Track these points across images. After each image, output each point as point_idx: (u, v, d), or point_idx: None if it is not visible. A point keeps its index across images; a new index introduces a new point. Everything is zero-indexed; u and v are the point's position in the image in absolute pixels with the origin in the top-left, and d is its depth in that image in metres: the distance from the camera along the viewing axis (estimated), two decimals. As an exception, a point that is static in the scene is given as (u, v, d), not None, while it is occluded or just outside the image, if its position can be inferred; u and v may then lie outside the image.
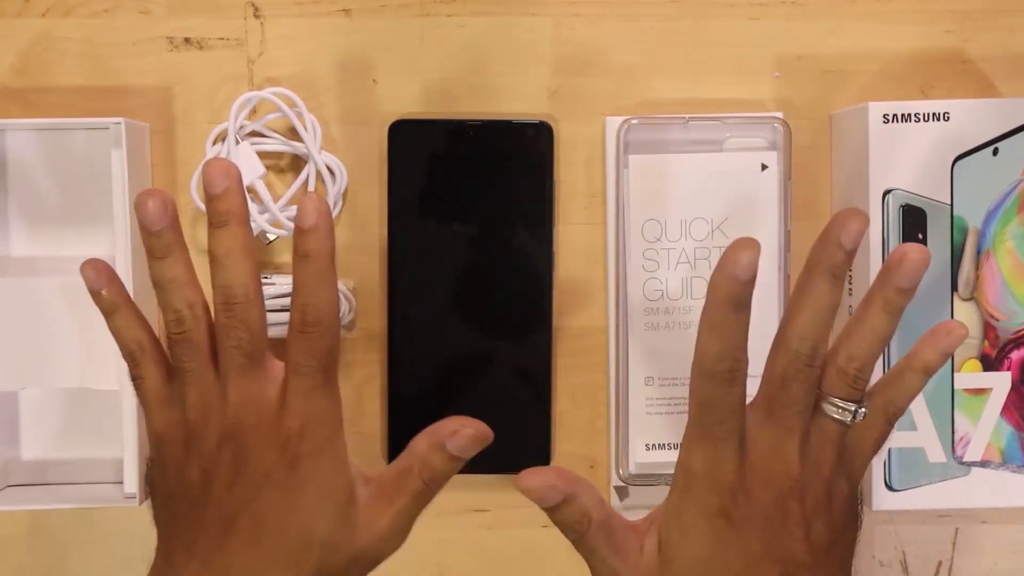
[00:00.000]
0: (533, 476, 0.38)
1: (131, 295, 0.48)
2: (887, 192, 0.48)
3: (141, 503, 0.49)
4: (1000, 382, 0.49)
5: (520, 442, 0.51)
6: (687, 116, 0.50)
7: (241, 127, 0.50)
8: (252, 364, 0.37)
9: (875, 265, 0.48)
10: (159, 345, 0.40)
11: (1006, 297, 0.48)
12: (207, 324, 0.38)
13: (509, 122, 0.51)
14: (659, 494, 0.51)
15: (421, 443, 0.39)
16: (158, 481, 0.39)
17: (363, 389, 0.52)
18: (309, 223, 0.37)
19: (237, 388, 0.37)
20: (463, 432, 0.38)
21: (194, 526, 0.37)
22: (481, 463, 0.51)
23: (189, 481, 0.37)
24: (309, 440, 0.37)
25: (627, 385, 0.50)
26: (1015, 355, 0.48)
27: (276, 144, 0.50)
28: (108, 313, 0.39)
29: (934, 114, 0.48)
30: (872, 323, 0.37)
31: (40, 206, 0.51)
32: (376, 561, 0.39)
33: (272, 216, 0.49)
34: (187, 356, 0.38)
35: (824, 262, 0.37)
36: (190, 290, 0.38)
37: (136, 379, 0.39)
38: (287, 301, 0.49)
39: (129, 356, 0.39)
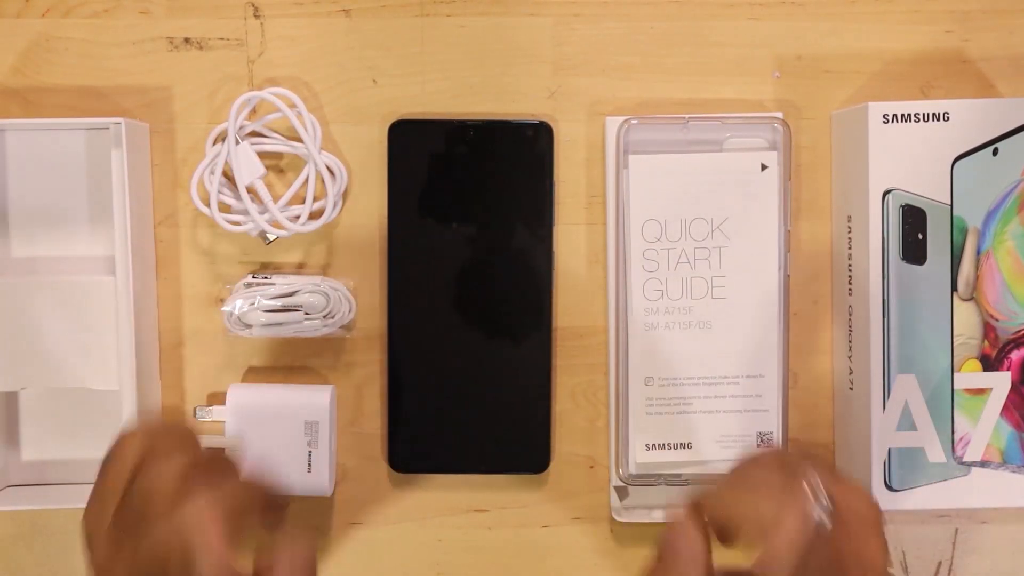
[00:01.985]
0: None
1: (131, 297, 0.48)
2: (887, 192, 0.48)
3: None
4: (1000, 382, 0.49)
5: (520, 442, 0.51)
6: (687, 116, 0.50)
7: (241, 127, 0.50)
8: None
9: (875, 266, 0.48)
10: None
11: (1006, 297, 0.48)
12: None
13: (509, 122, 0.51)
14: (659, 494, 0.51)
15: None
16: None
17: (363, 389, 0.52)
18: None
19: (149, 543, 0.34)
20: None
21: None
22: (481, 463, 0.51)
23: None
24: None
25: (627, 385, 0.50)
26: (1015, 355, 0.48)
27: (276, 144, 0.50)
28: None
29: (934, 114, 0.48)
30: None
31: (40, 206, 0.51)
32: None
33: (272, 216, 0.49)
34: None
35: None
36: None
37: (108, 456, 0.37)
38: (287, 301, 0.49)
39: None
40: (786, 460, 0.38)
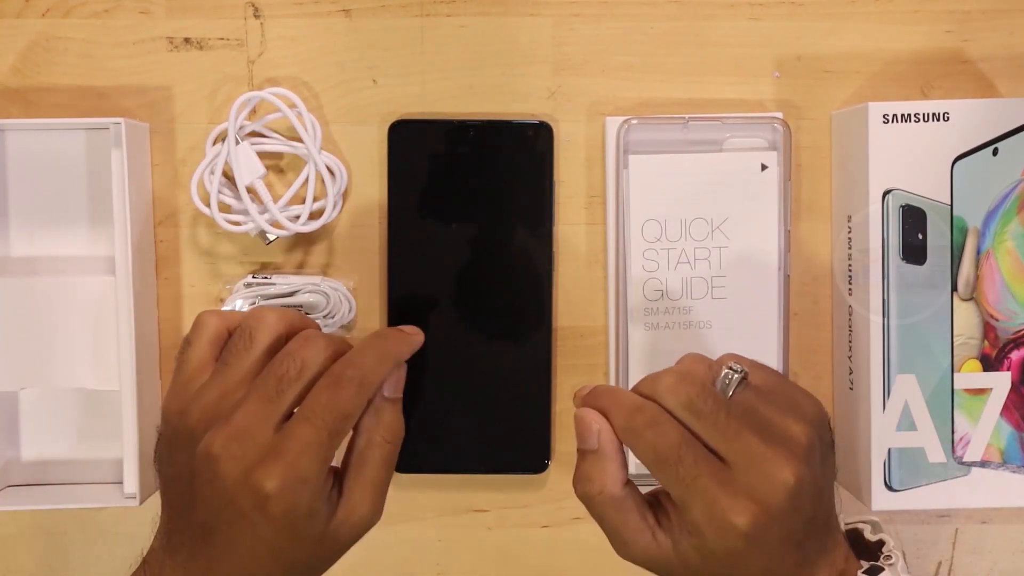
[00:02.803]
0: (589, 415, 0.39)
1: (131, 297, 0.48)
2: (887, 192, 0.48)
3: (141, 503, 0.49)
4: (1000, 382, 0.49)
5: (520, 442, 0.51)
6: (687, 116, 0.50)
7: (241, 127, 0.50)
8: (276, 400, 0.37)
9: (875, 266, 0.48)
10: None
11: (1006, 297, 0.48)
12: (274, 349, 0.39)
13: (509, 122, 0.51)
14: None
15: (366, 419, 0.39)
16: (162, 458, 0.39)
17: (363, 389, 0.52)
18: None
19: (246, 413, 0.36)
20: (392, 378, 0.39)
21: (182, 517, 0.37)
22: (481, 463, 0.51)
23: (177, 474, 0.38)
24: (282, 501, 0.35)
25: (627, 385, 0.50)
26: (1015, 355, 0.48)
27: (276, 144, 0.50)
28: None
29: (934, 114, 0.48)
30: None
31: (40, 206, 0.51)
32: (355, 540, 0.39)
33: (272, 216, 0.49)
34: (238, 351, 0.38)
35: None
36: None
37: (185, 344, 0.40)
38: (287, 301, 0.49)
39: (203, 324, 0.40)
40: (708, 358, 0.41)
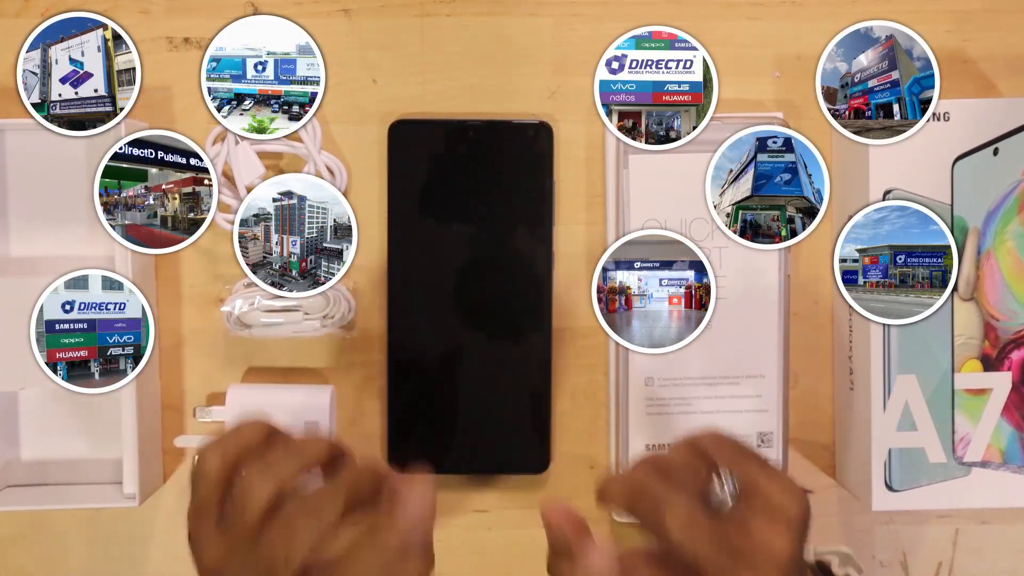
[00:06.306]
0: (555, 513, 0.39)
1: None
2: (887, 192, 0.48)
3: (140, 503, 0.49)
4: (1000, 382, 0.49)
5: (520, 442, 0.51)
6: (687, 116, 0.50)
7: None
8: (254, 544, 0.36)
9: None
10: None
11: (1006, 297, 0.48)
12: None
13: (509, 122, 0.51)
14: (659, 494, 0.51)
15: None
16: None
17: (363, 389, 0.52)
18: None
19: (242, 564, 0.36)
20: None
21: None
22: (481, 463, 0.51)
23: None
24: None
25: (627, 385, 0.50)
26: (1015, 355, 0.48)
27: (276, 144, 0.50)
28: None
29: (934, 114, 0.48)
30: None
31: (40, 206, 0.51)
32: None
33: (272, 216, 0.49)
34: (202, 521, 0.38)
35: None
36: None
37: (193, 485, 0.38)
38: (287, 301, 0.49)
39: None
40: (698, 446, 0.39)
